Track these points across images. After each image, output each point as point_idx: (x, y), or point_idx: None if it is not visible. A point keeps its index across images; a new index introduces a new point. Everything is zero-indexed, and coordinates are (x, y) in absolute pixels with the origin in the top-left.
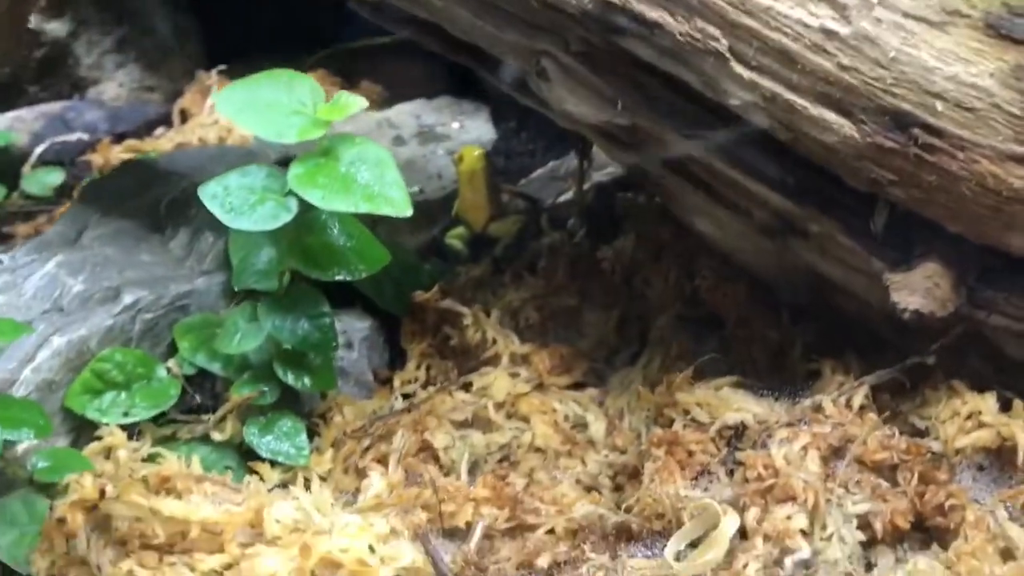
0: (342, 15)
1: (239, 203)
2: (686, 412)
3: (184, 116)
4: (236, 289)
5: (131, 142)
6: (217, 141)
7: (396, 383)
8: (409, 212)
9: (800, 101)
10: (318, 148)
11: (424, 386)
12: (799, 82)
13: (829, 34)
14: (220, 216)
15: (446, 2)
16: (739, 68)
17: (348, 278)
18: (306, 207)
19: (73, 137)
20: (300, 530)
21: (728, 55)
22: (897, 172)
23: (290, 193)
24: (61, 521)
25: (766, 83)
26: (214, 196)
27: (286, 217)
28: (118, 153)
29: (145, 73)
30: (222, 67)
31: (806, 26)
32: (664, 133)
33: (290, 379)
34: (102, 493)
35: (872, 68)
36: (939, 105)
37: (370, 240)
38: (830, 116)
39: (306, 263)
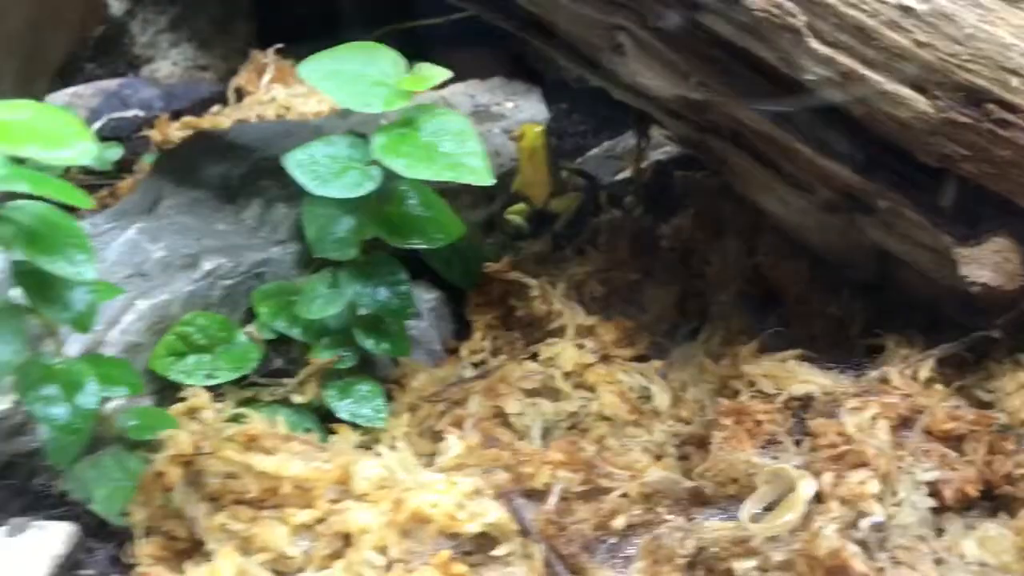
0: None
1: (325, 171)
2: (751, 384)
3: (240, 94)
4: (314, 257)
5: (188, 119)
6: (275, 119)
7: (463, 353)
8: (492, 181)
9: (875, 77)
10: (399, 119)
11: (491, 356)
12: (875, 58)
13: (906, 11)
14: (306, 184)
15: None
16: (816, 44)
17: (426, 246)
18: (386, 177)
19: (130, 114)
20: (387, 487)
21: (806, 31)
22: (970, 147)
23: (373, 162)
24: (159, 475)
25: (842, 59)
26: (300, 164)
27: (371, 186)
28: (176, 130)
29: (198, 52)
30: (279, 45)
31: (883, 2)
32: (737, 108)
33: (369, 344)
34: (197, 449)
35: (948, 44)
36: (1014, 81)
37: (446, 211)
38: (905, 92)
39: (388, 231)
